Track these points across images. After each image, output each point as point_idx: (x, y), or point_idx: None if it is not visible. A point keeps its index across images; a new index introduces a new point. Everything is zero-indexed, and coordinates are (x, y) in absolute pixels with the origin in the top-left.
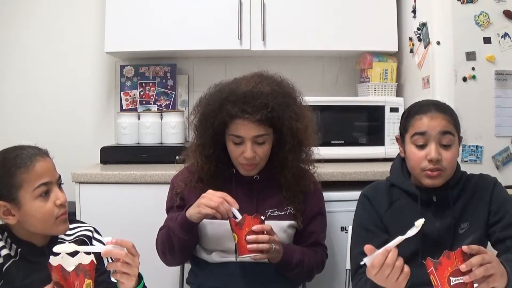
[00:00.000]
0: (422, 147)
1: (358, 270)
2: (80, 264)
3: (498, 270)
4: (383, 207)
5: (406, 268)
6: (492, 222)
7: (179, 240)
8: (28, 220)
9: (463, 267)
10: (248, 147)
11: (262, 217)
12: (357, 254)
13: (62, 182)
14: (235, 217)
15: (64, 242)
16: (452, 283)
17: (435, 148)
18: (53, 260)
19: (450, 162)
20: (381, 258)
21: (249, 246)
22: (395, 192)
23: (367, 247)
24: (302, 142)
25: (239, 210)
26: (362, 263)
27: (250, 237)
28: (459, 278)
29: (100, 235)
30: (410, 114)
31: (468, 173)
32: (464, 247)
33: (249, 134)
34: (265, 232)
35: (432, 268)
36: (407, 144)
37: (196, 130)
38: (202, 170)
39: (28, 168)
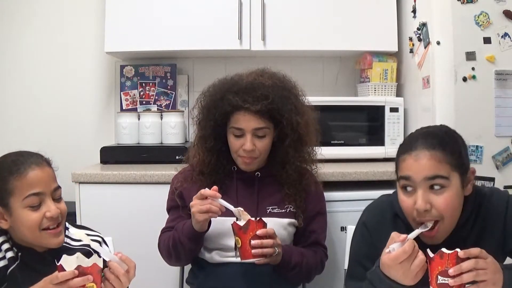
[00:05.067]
0: (410, 193)
1: None
2: (79, 266)
3: (491, 278)
4: (384, 242)
5: (421, 255)
6: (510, 247)
7: (188, 250)
8: (19, 228)
9: (451, 271)
10: (248, 139)
11: (265, 221)
12: (353, 285)
13: (60, 197)
14: (226, 208)
15: (70, 248)
16: (438, 282)
17: (422, 196)
18: (62, 260)
19: (443, 210)
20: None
21: (253, 251)
22: (400, 226)
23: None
24: (302, 137)
25: (242, 207)
26: (387, 250)
27: (255, 242)
28: (446, 279)
29: (108, 246)
30: (398, 152)
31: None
32: (460, 253)
33: (249, 127)
34: (267, 236)
35: (427, 260)
36: (398, 188)
37: (198, 123)
38: (204, 164)
39: (21, 176)
